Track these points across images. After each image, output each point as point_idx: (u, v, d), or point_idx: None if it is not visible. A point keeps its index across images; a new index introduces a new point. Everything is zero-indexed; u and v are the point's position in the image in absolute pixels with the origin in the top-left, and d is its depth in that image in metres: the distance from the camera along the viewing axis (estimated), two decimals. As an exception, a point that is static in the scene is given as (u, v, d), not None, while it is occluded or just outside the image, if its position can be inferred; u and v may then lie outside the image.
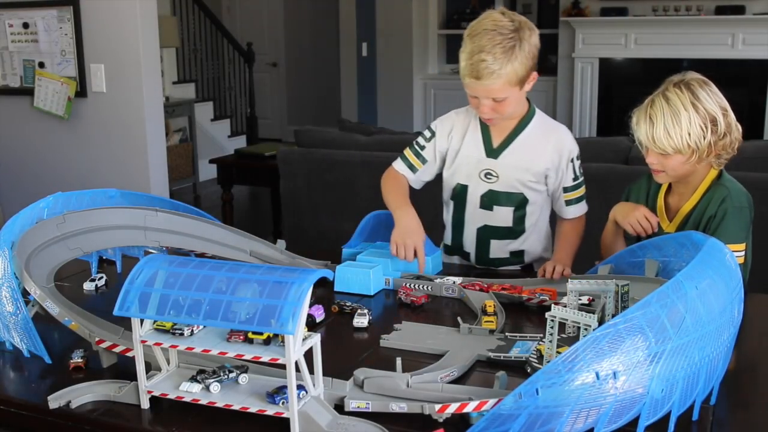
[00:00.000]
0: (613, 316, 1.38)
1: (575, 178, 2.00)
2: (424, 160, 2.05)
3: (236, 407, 1.19)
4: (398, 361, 1.29)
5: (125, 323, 1.31)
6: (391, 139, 3.72)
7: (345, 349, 1.52)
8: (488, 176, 1.98)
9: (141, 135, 3.62)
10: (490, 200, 2.00)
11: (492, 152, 1.97)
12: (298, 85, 8.93)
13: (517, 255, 2.07)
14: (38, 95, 3.76)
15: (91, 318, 1.43)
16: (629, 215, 1.86)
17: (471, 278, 1.82)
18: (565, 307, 1.33)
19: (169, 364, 1.30)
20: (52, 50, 3.70)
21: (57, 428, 1.27)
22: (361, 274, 1.81)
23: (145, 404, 1.26)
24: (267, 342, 1.18)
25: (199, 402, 1.21)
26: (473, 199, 2.02)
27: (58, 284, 1.60)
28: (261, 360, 1.16)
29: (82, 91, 3.67)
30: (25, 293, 1.45)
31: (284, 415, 1.15)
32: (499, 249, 2.05)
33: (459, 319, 1.56)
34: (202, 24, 7.43)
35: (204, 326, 1.24)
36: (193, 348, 1.21)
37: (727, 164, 1.82)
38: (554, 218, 2.10)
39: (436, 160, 2.05)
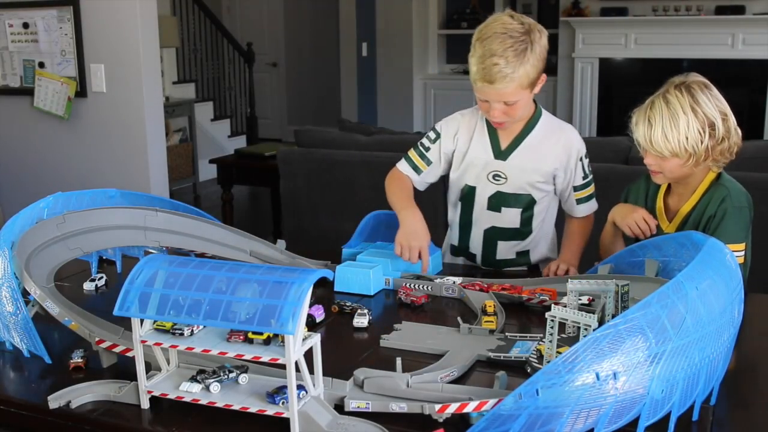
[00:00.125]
0: (613, 316, 1.38)
1: (585, 177, 2.01)
2: (428, 162, 2.05)
3: (236, 407, 1.19)
4: (398, 361, 1.29)
5: (125, 323, 1.31)
6: (391, 139, 3.72)
7: (345, 349, 1.52)
8: (496, 178, 1.98)
9: (141, 135, 3.62)
10: (498, 202, 2.00)
11: (500, 154, 1.97)
12: (298, 85, 8.94)
13: (524, 255, 2.07)
14: (38, 95, 3.76)
15: (91, 318, 1.43)
16: (628, 217, 1.86)
17: (471, 278, 1.82)
18: (565, 307, 1.33)
19: (169, 364, 1.30)
20: (52, 50, 3.70)
21: (57, 428, 1.27)
22: (361, 274, 1.81)
23: (145, 404, 1.26)
24: (267, 342, 1.18)
25: (199, 402, 1.21)
26: (481, 200, 2.02)
27: (58, 284, 1.60)
28: (261, 360, 1.16)
29: (82, 91, 3.67)
30: (25, 293, 1.45)
31: (284, 415, 1.15)
32: (505, 250, 2.05)
33: (459, 319, 1.56)
34: (202, 24, 7.43)
35: (204, 326, 1.24)
36: (193, 348, 1.21)
37: (728, 164, 1.82)
38: (560, 219, 2.11)
39: (441, 162, 2.05)
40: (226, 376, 1.24)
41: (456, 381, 1.32)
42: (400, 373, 1.26)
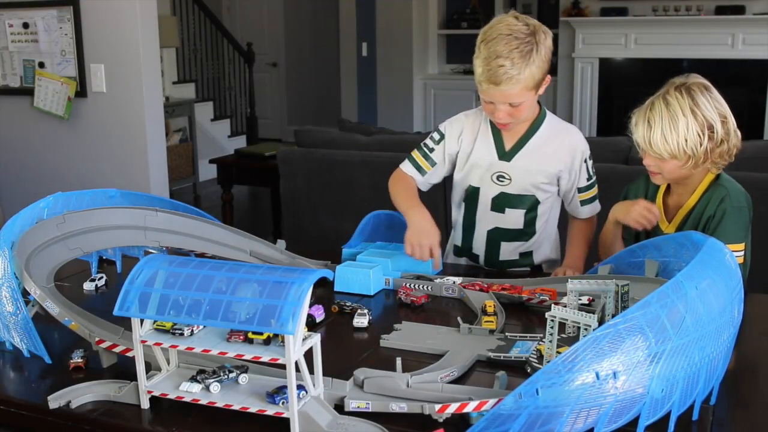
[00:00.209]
0: (613, 316, 1.38)
1: (589, 178, 2.01)
2: (432, 163, 2.04)
3: (236, 407, 1.19)
4: (398, 361, 1.29)
5: (125, 323, 1.31)
6: (391, 139, 3.72)
7: (345, 349, 1.52)
8: (501, 179, 1.98)
9: (141, 135, 3.62)
10: (501, 203, 2.00)
11: (504, 155, 1.97)
12: (298, 85, 8.94)
13: (527, 257, 2.07)
14: (38, 95, 3.76)
15: (91, 318, 1.43)
16: (630, 212, 1.85)
17: (471, 278, 1.82)
18: (565, 307, 1.33)
19: (169, 364, 1.30)
20: (52, 50, 3.70)
21: (57, 428, 1.27)
22: (361, 274, 1.81)
23: (145, 404, 1.26)
24: (267, 342, 1.18)
25: (199, 402, 1.21)
26: (485, 201, 2.02)
27: (58, 284, 1.60)
28: (261, 360, 1.16)
29: (82, 91, 3.68)
30: (25, 293, 1.45)
31: (284, 415, 1.15)
32: (509, 251, 2.05)
33: (459, 319, 1.56)
34: (202, 24, 7.43)
35: (204, 326, 1.24)
36: (193, 348, 1.21)
37: (726, 165, 1.82)
38: (563, 220, 2.11)
39: (445, 163, 2.05)
40: (226, 376, 1.24)
41: (456, 381, 1.32)
42: (400, 373, 1.26)
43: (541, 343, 1.40)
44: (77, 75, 3.66)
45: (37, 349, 1.44)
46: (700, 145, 1.71)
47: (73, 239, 1.68)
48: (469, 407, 1.15)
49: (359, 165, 3.60)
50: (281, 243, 1.97)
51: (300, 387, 1.17)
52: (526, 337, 1.49)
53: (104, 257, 1.92)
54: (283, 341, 1.14)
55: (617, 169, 3.07)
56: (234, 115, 7.79)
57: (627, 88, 6.75)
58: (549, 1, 7.19)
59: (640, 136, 1.76)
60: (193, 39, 7.36)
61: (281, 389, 1.18)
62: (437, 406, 1.17)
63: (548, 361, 1.28)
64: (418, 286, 1.79)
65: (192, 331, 1.23)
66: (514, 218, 2.01)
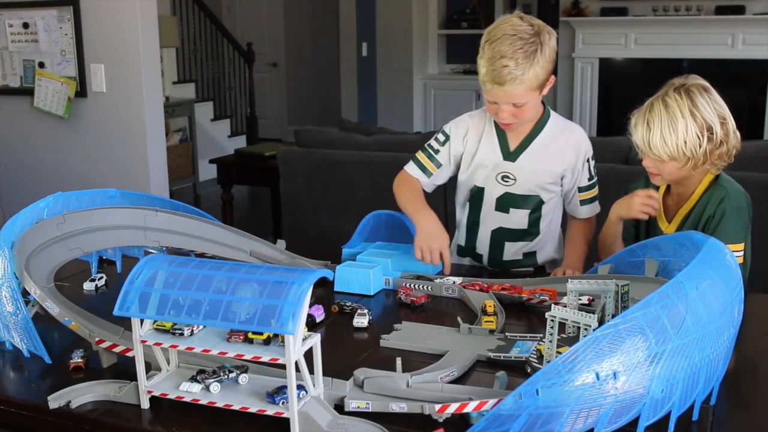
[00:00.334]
0: (613, 316, 1.38)
1: (590, 178, 2.01)
2: (438, 164, 2.04)
3: (236, 407, 1.19)
4: (398, 361, 1.29)
5: (125, 323, 1.31)
6: (391, 139, 3.72)
7: (345, 349, 1.52)
8: (505, 179, 1.98)
9: (141, 135, 3.62)
10: (506, 203, 2.00)
11: (509, 155, 1.97)
12: (298, 85, 8.94)
13: (530, 257, 2.07)
14: (38, 95, 3.76)
15: (91, 318, 1.43)
16: (631, 205, 1.85)
17: (471, 278, 1.82)
18: (565, 307, 1.33)
19: (169, 364, 1.30)
20: (52, 50, 3.70)
21: (57, 428, 1.27)
22: (361, 274, 1.81)
23: (145, 404, 1.26)
24: (267, 342, 1.18)
25: (199, 402, 1.21)
26: (489, 201, 2.02)
27: (58, 284, 1.60)
28: (261, 360, 1.16)
29: (82, 91, 3.67)
30: (25, 293, 1.45)
31: (284, 415, 1.15)
32: (513, 251, 2.05)
33: (459, 319, 1.56)
34: (202, 24, 7.43)
35: (204, 326, 1.24)
36: (193, 348, 1.21)
37: (726, 166, 1.82)
38: (564, 221, 2.11)
39: (450, 164, 2.04)
40: (226, 376, 1.24)
41: (456, 381, 1.32)
42: (400, 373, 1.26)
43: (541, 343, 1.40)
44: (77, 75, 3.66)
45: (37, 349, 1.44)
46: (700, 147, 1.70)
47: (73, 239, 1.68)
48: (469, 407, 1.15)
49: (359, 165, 3.60)
50: (281, 243, 1.97)
51: (300, 387, 1.17)
52: (526, 337, 1.49)
53: (104, 257, 1.92)
54: (283, 341, 1.14)
55: (617, 169, 3.07)
56: (234, 115, 7.79)
57: (627, 88, 6.75)
58: (549, 1, 7.19)
59: (639, 137, 1.76)
60: (193, 39, 7.36)
61: (281, 389, 1.18)
62: (437, 406, 1.17)
63: (548, 361, 1.28)
64: (418, 286, 1.79)
65: (192, 331, 1.23)
66: (518, 218, 2.01)
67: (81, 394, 1.28)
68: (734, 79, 6.33)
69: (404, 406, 1.20)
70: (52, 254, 1.61)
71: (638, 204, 1.84)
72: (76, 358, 1.41)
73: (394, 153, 3.49)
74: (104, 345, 1.37)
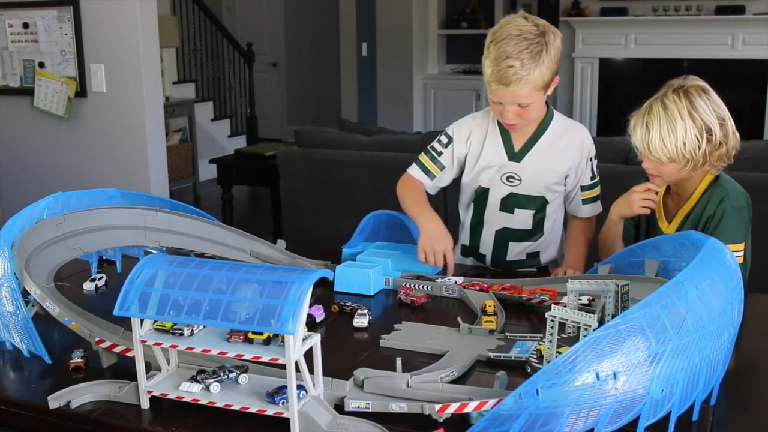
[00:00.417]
0: (613, 316, 1.38)
1: (593, 177, 2.01)
2: (441, 166, 2.04)
3: (236, 407, 1.19)
4: (398, 361, 1.29)
5: (125, 323, 1.31)
6: (391, 139, 3.72)
7: (345, 349, 1.52)
8: (510, 179, 1.98)
9: (141, 135, 3.62)
10: (511, 203, 2.00)
11: (514, 156, 1.97)
12: (298, 85, 8.94)
13: (534, 257, 2.07)
14: (38, 95, 3.76)
15: (91, 318, 1.43)
16: (631, 202, 1.85)
17: (471, 278, 1.82)
18: (565, 307, 1.33)
19: (169, 364, 1.30)
20: (52, 50, 3.70)
21: (57, 428, 1.27)
22: (361, 274, 1.81)
23: (145, 404, 1.26)
24: (267, 342, 1.18)
25: (199, 402, 1.21)
26: (494, 201, 2.02)
27: (58, 284, 1.60)
28: (261, 360, 1.16)
29: (82, 91, 3.67)
30: (25, 293, 1.45)
31: (284, 415, 1.15)
32: (517, 251, 2.05)
33: (459, 319, 1.56)
34: (202, 24, 7.43)
35: (204, 326, 1.24)
36: (193, 348, 1.21)
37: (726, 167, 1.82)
38: (564, 220, 2.11)
39: (453, 166, 2.04)
40: (226, 376, 1.24)
41: (456, 381, 1.32)
42: (400, 373, 1.26)
43: (541, 343, 1.40)
44: (77, 75, 3.66)
45: (37, 349, 1.44)
46: (699, 149, 1.70)
47: (73, 239, 1.68)
48: (469, 407, 1.15)
49: (359, 165, 3.60)
50: (281, 243, 1.97)
51: (300, 387, 1.16)
52: (526, 337, 1.49)
53: (104, 257, 1.92)
54: (283, 341, 1.14)
55: (617, 169, 3.07)
56: (234, 115, 7.79)
57: (627, 88, 6.75)
58: (549, 1, 7.19)
59: (638, 139, 1.76)
60: (193, 39, 7.36)
61: (281, 389, 1.18)
62: (437, 406, 1.17)
63: (548, 361, 1.28)
64: (418, 286, 1.79)
65: (192, 331, 1.23)
66: (523, 218, 2.01)
67: (81, 394, 1.28)
68: (734, 79, 6.33)
69: (404, 406, 1.20)
70: (52, 254, 1.61)
71: (637, 200, 1.84)
72: (76, 358, 1.41)
73: (394, 153, 3.49)
74: (104, 345, 1.37)
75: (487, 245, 2.07)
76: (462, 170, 2.05)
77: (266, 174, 4.55)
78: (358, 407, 1.21)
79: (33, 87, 3.76)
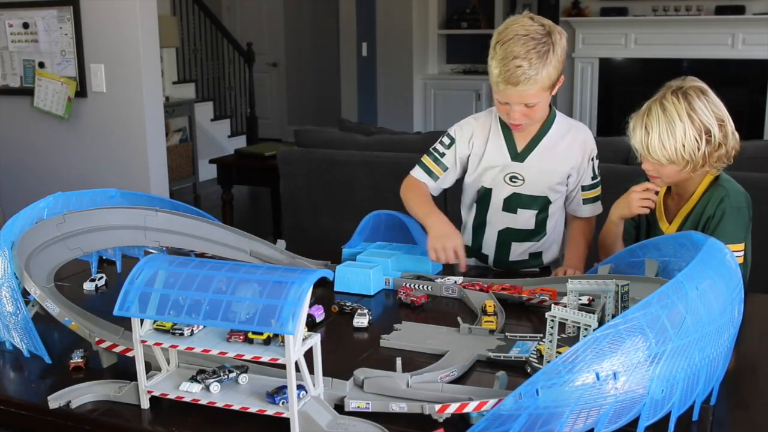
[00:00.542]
0: (613, 316, 1.38)
1: (594, 177, 2.02)
2: (444, 168, 2.04)
3: (236, 407, 1.19)
4: (398, 361, 1.29)
5: (125, 323, 1.31)
6: (391, 139, 3.72)
7: (345, 349, 1.52)
8: (513, 180, 1.98)
9: (141, 135, 3.62)
10: (514, 203, 2.00)
11: (517, 156, 1.97)
12: (298, 85, 8.94)
13: (536, 257, 2.07)
14: (38, 95, 3.76)
15: (91, 318, 1.43)
16: (631, 202, 1.85)
17: (471, 278, 1.82)
18: (565, 307, 1.33)
19: (169, 364, 1.30)
20: (52, 50, 3.70)
21: (57, 428, 1.27)
22: (361, 274, 1.81)
23: (145, 404, 1.26)
24: (267, 342, 1.18)
25: (199, 402, 1.21)
26: (496, 201, 2.02)
27: (58, 284, 1.60)
28: (261, 360, 1.16)
29: (82, 91, 3.67)
30: (25, 293, 1.45)
31: (284, 415, 1.15)
32: (519, 251, 2.05)
33: (459, 319, 1.56)
34: (202, 24, 7.43)
35: (204, 326, 1.24)
36: (193, 348, 1.21)
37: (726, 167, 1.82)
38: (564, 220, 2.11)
39: (456, 167, 2.04)
40: (226, 376, 1.24)
41: (456, 381, 1.32)
42: (400, 373, 1.26)
43: (541, 343, 1.40)
44: (77, 75, 3.66)
45: (37, 349, 1.44)
46: (698, 150, 1.70)
47: (73, 239, 1.68)
48: (469, 407, 1.15)
49: (359, 165, 3.60)
50: (281, 243, 1.97)
51: (300, 387, 1.17)
52: (526, 337, 1.49)
53: (104, 257, 1.92)
54: (283, 341, 1.14)
55: (617, 169, 3.06)
56: (234, 115, 7.79)
57: (627, 88, 6.75)
58: (549, 1, 7.19)
59: (637, 141, 1.76)
60: (193, 39, 7.36)
61: (281, 389, 1.18)
62: (437, 406, 1.17)
63: (548, 361, 1.28)
64: (418, 286, 1.79)
65: (192, 331, 1.23)
66: (525, 219, 2.01)
67: (81, 394, 1.28)
68: (734, 79, 6.33)
69: (404, 406, 1.20)
70: (52, 254, 1.61)
71: (637, 200, 1.84)
72: (76, 358, 1.41)
73: (394, 153, 3.49)
74: (104, 345, 1.37)
75: (489, 246, 2.07)
76: (465, 171, 2.05)
77: (266, 174, 4.55)
78: (358, 407, 1.21)
79: (33, 87, 3.76)
